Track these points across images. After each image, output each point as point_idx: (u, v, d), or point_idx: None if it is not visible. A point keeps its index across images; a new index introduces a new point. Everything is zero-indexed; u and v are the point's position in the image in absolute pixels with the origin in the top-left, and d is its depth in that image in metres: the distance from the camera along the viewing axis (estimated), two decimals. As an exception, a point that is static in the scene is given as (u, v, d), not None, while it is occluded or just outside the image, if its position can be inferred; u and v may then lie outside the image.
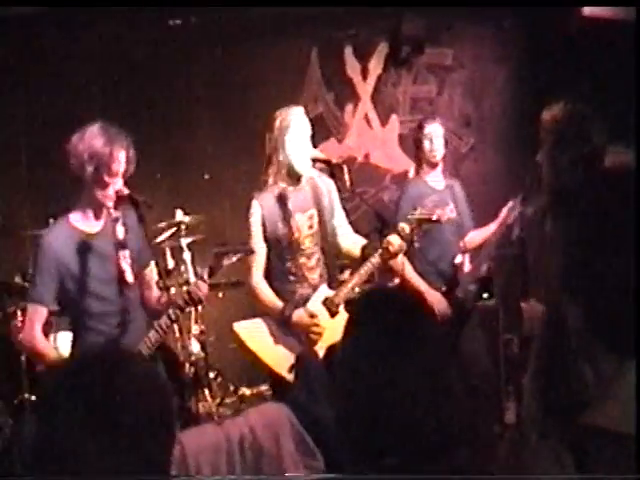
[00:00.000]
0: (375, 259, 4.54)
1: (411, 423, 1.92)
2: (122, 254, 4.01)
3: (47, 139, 7.13)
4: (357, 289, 4.72)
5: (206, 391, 5.73)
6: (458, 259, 5.69)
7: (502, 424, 5.69)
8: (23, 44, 7.07)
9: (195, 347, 6.33)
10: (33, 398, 5.85)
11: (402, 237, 4.51)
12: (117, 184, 3.90)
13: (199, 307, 5.66)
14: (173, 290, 5.26)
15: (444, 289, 5.51)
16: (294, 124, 4.54)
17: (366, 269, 4.59)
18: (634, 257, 1.61)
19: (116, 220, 3.99)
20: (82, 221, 3.97)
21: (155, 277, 4.26)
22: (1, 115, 7.15)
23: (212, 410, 5.29)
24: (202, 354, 6.41)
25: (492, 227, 5.56)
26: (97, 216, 3.98)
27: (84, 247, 3.94)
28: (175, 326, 5.57)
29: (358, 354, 2.03)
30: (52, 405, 1.75)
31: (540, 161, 3.94)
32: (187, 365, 5.89)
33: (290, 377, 4.50)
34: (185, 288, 4.16)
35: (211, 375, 6.47)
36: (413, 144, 5.82)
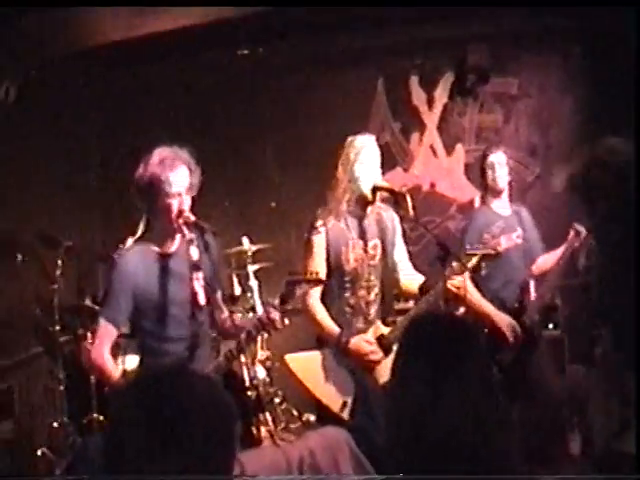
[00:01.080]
0: (431, 297, 4.45)
1: (471, 450, 1.94)
2: (196, 275, 3.95)
3: (118, 163, 7.33)
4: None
5: (267, 415, 5.77)
6: (526, 285, 5.66)
7: (567, 454, 5.62)
8: (97, 75, 7.26)
9: (261, 372, 6.39)
10: (102, 418, 5.98)
11: (461, 272, 4.38)
12: (184, 203, 3.88)
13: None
14: (240, 316, 5.31)
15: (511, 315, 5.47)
16: (365, 151, 4.54)
17: (422, 306, 4.49)
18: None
19: (190, 241, 3.93)
20: (157, 241, 3.96)
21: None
22: (76, 139, 7.32)
23: (274, 434, 5.31)
24: (267, 379, 6.47)
25: (560, 251, 5.54)
26: (171, 237, 3.96)
27: (159, 267, 3.93)
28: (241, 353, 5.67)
29: (413, 381, 2.06)
30: (119, 422, 1.80)
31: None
32: (251, 389, 5.93)
33: (340, 415, 4.46)
34: (254, 315, 4.15)
35: (276, 400, 6.51)
36: (479, 173, 5.83)
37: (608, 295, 3.15)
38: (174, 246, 3.99)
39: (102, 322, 3.92)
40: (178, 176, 3.85)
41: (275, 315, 3.92)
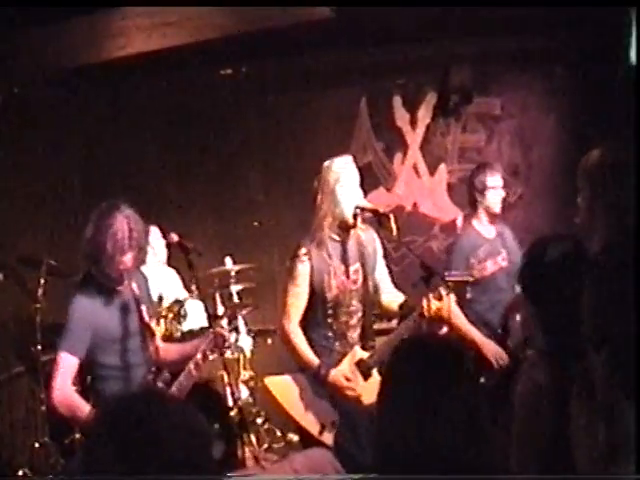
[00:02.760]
0: (410, 321, 4.46)
1: (462, 472, 1.94)
2: (142, 308, 4.18)
3: (101, 184, 7.31)
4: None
5: (252, 436, 5.75)
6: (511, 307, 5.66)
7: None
8: (79, 95, 7.24)
9: (244, 393, 6.37)
10: (83, 438, 5.93)
11: (440, 299, 4.39)
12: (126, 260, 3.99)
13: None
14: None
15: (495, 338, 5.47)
16: (344, 174, 4.51)
17: (400, 332, 4.51)
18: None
19: (131, 278, 4.14)
20: (105, 280, 4.06)
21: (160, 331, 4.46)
22: (58, 161, 7.30)
23: (259, 455, 5.29)
24: (250, 399, 6.44)
25: None
26: (119, 278, 4.08)
27: (112, 302, 4.09)
28: (224, 372, 5.69)
29: (402, 404, 2.05)
30: (94, 447, 1.79)
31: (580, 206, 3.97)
32: (234, 410, 5.91)
33: (320, 437, 4.46)
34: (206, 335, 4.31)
35: (259, 421, 6.49)
36: (468, 192, 5.82)
37: (601, 317, 3.14)
38: (120, 284, 4.11)
39: (62, 354, 3.98)
40: (124, 259, 3.96)
41: (224, 332, 4.22)
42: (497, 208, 5.72)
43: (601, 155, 4.06)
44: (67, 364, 3.96)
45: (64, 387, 3.94)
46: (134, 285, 4.17)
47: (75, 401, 3.98)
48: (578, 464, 2.69)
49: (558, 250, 3.09)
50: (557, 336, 3.08)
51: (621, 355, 1.81)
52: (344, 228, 4.56)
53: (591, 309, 2.89)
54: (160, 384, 4.21)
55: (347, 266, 4.57)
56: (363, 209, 4.55)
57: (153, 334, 4.29)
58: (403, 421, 2.00)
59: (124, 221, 3.93)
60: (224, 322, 4.28)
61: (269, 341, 6.92)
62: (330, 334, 4.58)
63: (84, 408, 3.94)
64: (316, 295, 4.53)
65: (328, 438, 4.48)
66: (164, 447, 1.77)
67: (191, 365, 4.16)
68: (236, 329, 6.33)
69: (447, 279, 4.57)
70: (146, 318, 4.20)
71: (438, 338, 2.50)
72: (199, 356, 4.15)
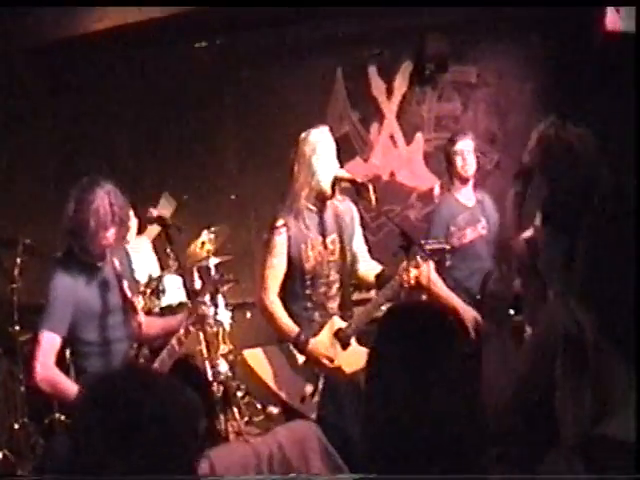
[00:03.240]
0: (388, 290, 4.45)
1: (443, 438, 1.93)
2: (123, 283, 4.17)
3: (76, 161, 7.24)
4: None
5: (235, 410, 5.74)
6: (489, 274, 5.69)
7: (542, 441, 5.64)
8: (49, 72, 7.16)
9: (223, 367, 6.35)
10: (63, 418, 5.89)
11: (416, 266, 4.36)
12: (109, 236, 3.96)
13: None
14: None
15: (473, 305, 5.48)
16: (320, 145, 4.49)
17: (379, 301, 4.52)
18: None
19: (112, 254, 4.12)
20: (86, 256, 4.03)
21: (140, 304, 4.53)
22: (31, 138, 7.23)
23: (241, 429, 5.28)
24: (230, 373, 6.43)
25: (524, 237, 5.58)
26: (100, 254, 4.05)
27: (93, 278, 4.06)
28: (203, 346, 5.67)
29: (388, 371, 2.04)
30: (81, 425, 1.77)
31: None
32: (215, 384, 5.89)
33: (301, 408, 4.46)
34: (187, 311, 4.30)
35: (239, 394, 6.48)
36: (445, 160, 5.84)
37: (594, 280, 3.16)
38: (102, 260, 4.08)
39: (45, 333, 3.94)
40: (107, 234, 3.93)
41: (205, 310, 4.22)
42: (464, 172, 5.72)
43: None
44: (49, 342, 3.92)
45: (47, 365, 3.90)
46: (115, 261, 4.14)
47: (58, 379, 3.95)
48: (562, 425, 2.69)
49: None
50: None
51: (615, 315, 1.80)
52: (321, 199, 4.54)
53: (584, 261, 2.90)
54: (141, 360, 4.20)
55: (324, 237, 4.56)
56: (341, 179, 4.53)
57: (135, 309, 4.27)
58: (393, 392, 1.98)
59: (105, 197, 3.89)
60: (207, 297, 4.24)
61: (248, 314, 6.90)
62: (309, 305, 4.58)
63: (68, 386, 3.91)
64: (294, 266, 4.52)
65: (310, 408, 4.49)
66: (155, 423, 1.76)
67: (173, 341, 4.15)
68: (215, 303, 6.30)
69: (425, 247, 4.58)
70: (128, 293, 4.18)
71: (424, 305, 2.48)
72: (181, 331, 4.13)
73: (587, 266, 1.73)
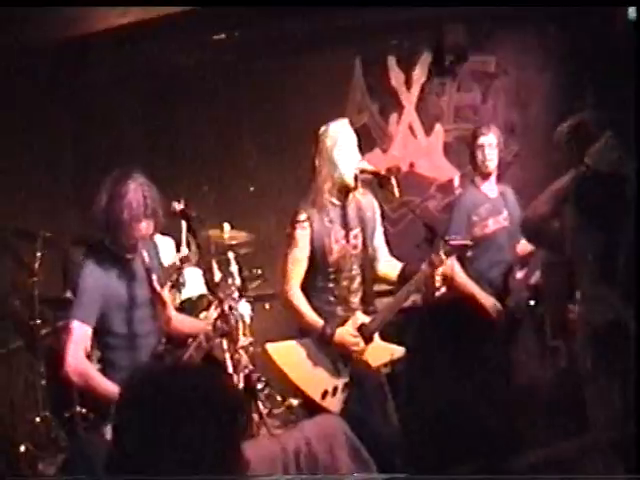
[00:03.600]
0: (411, 286, 4.48)
1: (480, 431, 1.92)
2: (153, 277, 4.15)
3: (93, 156, 7.24)
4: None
5: (259, 403, 5.72)
6: (511, 266, 5.67)
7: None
8: (70, 65, 7.15)
9: (243, 359, 6.34)
10: (84, 411, 5.90)
11: (441, 264, 4.42)
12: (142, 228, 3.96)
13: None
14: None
15: (495, 297, 5.46)
16: (341, 137, 4.49)
17: (402, 296, 4.55)
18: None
19: (142, 245, 4.09)
20: (116, 247, 4.04)
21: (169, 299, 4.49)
22: (48, 132, 7.23)
23: (267, 424, 5.27)
24: (251, 366, 6.42)
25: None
26: (130, 246, 4.05)
27: (123, 270, 4.05)
28: (224, 339, 5.67)
29: (426, 364, 2.03)
30: (129, 422, 1.76)
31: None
32: (236, 377, 5.88)
33: (322, 403, 4.45)
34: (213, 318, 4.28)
35: (259, 386, 6.47)
36: (468, 152, 5.82)
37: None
38: (133, 252, 4.07)
39: (76, 324, 3.93)
40: (140, 227, 3.93)
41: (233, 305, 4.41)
42: (491, 167, 5.72)
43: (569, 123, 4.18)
44: (80, 333, 3.91)
45: (77, 356, 3.90)
46: (144, 254, 4.13)
47: (89, 371, 3.94)
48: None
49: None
50: None
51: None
52: (344, 192, 4.54)
53: None
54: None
55: (348, 230, 4.56)
56: (364, 171, 4.53)
57: (164, 303, 4.26)
58: (440, 384, 1.98)
59: (138, 189, 3.88)
60: (235, 294, 4.23)
61: (267, 306, 6.88)
62: (332, 299, 4.58)
63: (98, 379, 3.91)
64: (317, 260, 4.52)
65: (331, 403, 4.48)
66: (204, 416, 1.76)
67: (202, 336, 4.13)
68: (232, 295, 6.30)
69: (449, 243, 4.57)
70: (157, 287, 4.17)
71: (459, 301, 2.45)
72: (210, 327, 4.13)
73: (630, 261, 1.72)
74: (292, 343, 4.55)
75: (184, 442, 1.72)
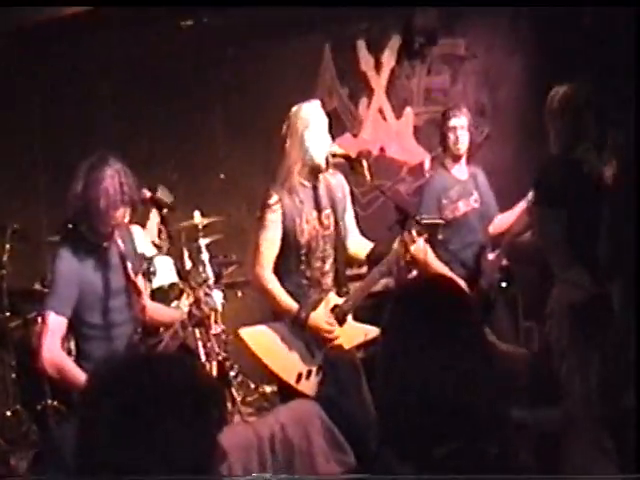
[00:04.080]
0: (383, 266, 4.44)
1: (459, 411, 1.90)
2: (127, 265, 4.07)
3: (63, 144, 7.17)
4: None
5: (233, 390, 5.71)
6: (483, 247, 5.67)
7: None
8: (36, 53, 7.08)
9: (215, 347, 6.33)
10: (56, 404, 5.85)
11: (413, 242, 4.36)
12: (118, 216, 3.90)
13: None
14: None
15: (467, 278, 5.46)
16: (313, 118, 4.43)
17: (374, 277, 4.52)
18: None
19: (117, 234, 4.03)
20: (90, 235, 3.95)
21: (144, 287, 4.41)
22: (17, 122, 7.17)
23: (241, 410, 5.26)
24: (223, 353, 6.40)
25: (516, 211, 5.56)
26: (105, 233, 3.97)
27: (98, 259, 3.98)
28: (195, 327, 5.64)
29: (402, 345, 2.01)
30: (95, 415, 1.72)
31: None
32: (208, 365, 5.86)
33: (297, 386, 4.43)
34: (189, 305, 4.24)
35: (232, 374, 6.46)
36: (439, 135, 5.80)
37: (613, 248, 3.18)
38: (108, 239, 3.99)
39: (51, 315, 3.86)
40: (117, 214, 3.84)
41: (209, 303, 4.22)
42: (462, 149, 5.70)
43: (564, 93, 4.20)
44: (55, 324, 3.85)
45: (53, 348, 3.83)
46: (119, 241, 4.05)
47: (64, 362, 3.88)
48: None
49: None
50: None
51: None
52: (314, 174, 4.50)
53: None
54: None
55: (319, 211, 4.52)
56: (335, 155, 4.49)
57: (139, 292, 4.18)
58: (411, 370, 1.95)
59: (115, 175, 3.80)
60: (211, 281, 4.18)
61: (239, 293, 6.86)
62: (304, 281, 4.53)
63: (74, 371, 3.84)
64: (288, 242, 4.47)
65: (306, 387, 4.45)
66: (181, 405, 1.72)
67: (177, 325, 4.09)
68: (205, 282, 6.27)
69: (421, 222, 4.55)
70: (132, 275, 4.09)
71: (435, 280, 2.44)
72: (185, 316, 4.08)
73: (611, 237, 1.71)
74: (265, 327, 4.51)
75: (158, 434, 1.68)
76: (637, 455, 2.09)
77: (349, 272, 5.29)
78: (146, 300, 4.34)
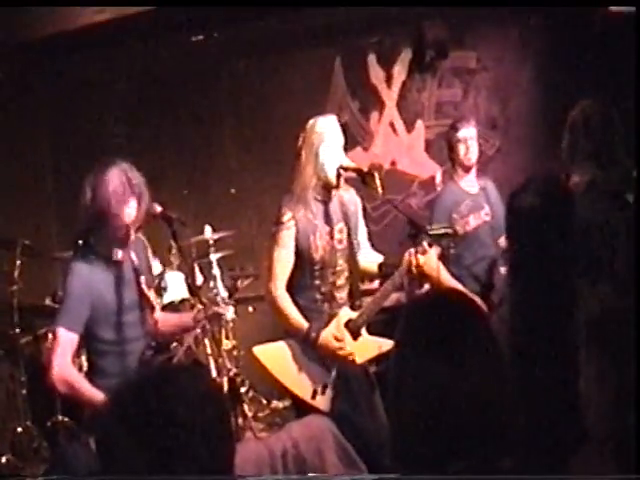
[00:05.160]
0: (396, 279, 4.42)
1: (473, 426, 1.87)
2: (141, 279, 4.04)
3: (73, 159, 7.18)
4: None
5: (245, 406, 5.69)
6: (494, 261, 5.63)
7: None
8: (46, 66, 7.10)
9: (227, 362, 6.30)
10: (66, 420, 5.84)
11: (423, 253, 4.35)
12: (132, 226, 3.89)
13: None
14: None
15: (480, 293, 5.43)
16: (328, 133, 4.44)
17: (387, 289, 4.49)
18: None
19: (130, 246, 4.00)
20: (102, 249, 3.93)
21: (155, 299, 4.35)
22: (27, 137, 7.18)
23: (253, 427, 5.23)
24: (235, 369, 6.38)
25: None
26: (117, 246, 3.94)
27: (110, 274, 3.94)
28: (207, 342, 5.61)
29: (414, 360, 1.98)
30: (118, 427, 1.70)
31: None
32: (219, 381, 5.83)
33: (312, 403, 4.41)
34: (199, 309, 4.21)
35: (243, 390, 6.43)
36: (447, 147, 5.79)
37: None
38: (119, 253, 3.95)
39: (62, 331, 3.82)
40: (128, 209, 3.82)
41: (222, 310, 4.14)
42: (467, 160, 5.67)
43: (581, 109, 4.18)
44: (66, 341, 3.81)
45: (64, 365, 3.80)
46: (133, 255, 4.02)
47: (75, 379, 3.86)
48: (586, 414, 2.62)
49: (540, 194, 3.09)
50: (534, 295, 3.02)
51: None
52: (327, 189, 4.49)
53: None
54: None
55: (332, 226, 4.51)
56: (346, 169, 4.48)
57: (152, 306, 4.16)
58: (423, 383, 1.92)
59: (121, 173, 3.79)
60: (224, 294, 4.15)
61: (250, 309, 6.84)
62: (318, 296, 4.52)
63: (85, 387, 3.82)
64: (302, 258, 4.46)
65: (321, 402, 4.43)
66: (188, 420, 1.71)
67: (190, 340, 4.06)
68: (216, 297, 6.27)
69: (430, 232, 4.53)
70: (145, 289, 4.06)
71: (447, 292, 2.41)
72: (198, 331, 4.04)
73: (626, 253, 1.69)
74: (279, 344, 4.50)
75: (173, 450, 1.67)
76: (637, 455, 2.05)
77: (363, 287, 5.28)
78: (157, 313, 4.31)
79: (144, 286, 4.06)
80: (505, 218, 3.21)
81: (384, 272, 4.58)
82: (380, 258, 4.72)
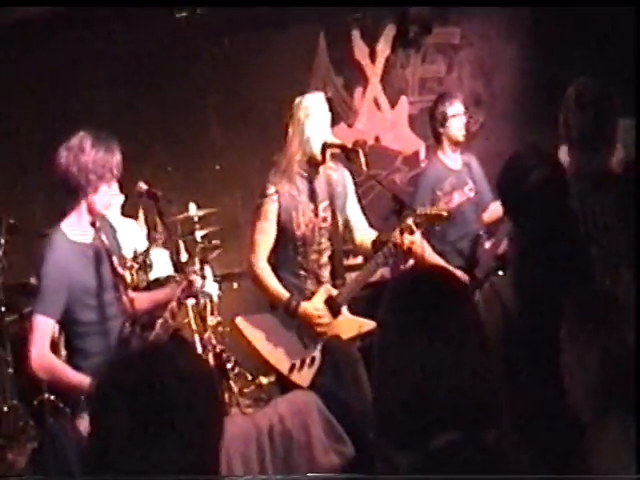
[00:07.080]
0: (380, 258, 4.48)
1: (457, 400, 1.89)
2: (113, 259, 4.04)
3: (56, 137, 7.13)
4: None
5: (231, 382, 5.71)
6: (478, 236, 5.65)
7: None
8: (28, 44, 7.04)
9: (212, 338, 6.32)
10: (52, 398, 5.83)
11: (411, 232, 4.41)
12: (111, 190, 3.90)
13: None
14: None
15: (465, 268, 5.45)
16: (315, 110, 4.50)
17: (370, 268, 4.56)
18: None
19: (100, 229, 4.00)
20: (75, 232, 3.91)
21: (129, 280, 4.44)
22: (9, 114, 7.13)
23: (239, 402, 5.26)
24: (220, 345, 6.39)
25: None
26: (87, 227, 3.95)
27: (85, 257, 3.92)
28: (192, 318, 5.61)
29: (399, 336, 1.99)
30: (106, 410, 1.71)
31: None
32: (205, 357, 5.85)
33: (290, 376, 4.47)
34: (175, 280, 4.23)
35: (228, 366, 6.44)
36: (432, 123, 5.74)
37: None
38: (90, 235, 3.96)
39: (39, 317, 3.80)
40: (105, 165, 3.84)
41: (193, 277, 4.09)
42: (460, 136, 5.67)
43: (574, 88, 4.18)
44: (43, 327, 3.79)
45: (42, 352, 3.78)
46: (103, 237, 4.02)
47: (55, 365, 3.85)
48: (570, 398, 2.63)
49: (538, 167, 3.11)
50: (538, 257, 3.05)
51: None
52: (312, 165, 4.53)
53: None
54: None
55: (316, 204, 4.56)
56: (330, 145, 4.53)
57: (126, 285, 4.16)
58: (408, 361, 1.94)
59: (85, 137, 3.89)
60: (196, 267, 4.15)
61: (235, 285, 6.85)
62: (301, 272, 4.58)
63: (65, 371, 3.82)
64: (284, 233, 4.52)
65: (298, 377, 4.50)
66: (180, 396, 1.71)
67: (167, 314, 4.05)
68: (203, 275, 6.26)
69: (420, 212, 4.56)
70: (118, 269, 4.06)
71: (431, 271, 2.42)
72: (174, 304, 4.04)
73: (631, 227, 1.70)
74: (262, 315, 4.58)
75: (162, 430, 1.68)
76: (637, 455, 2.07)
77: (347, 262, 5.30)
78: (131, 292, 4.30)
79: (117, 265, 4.05)
80: (499, 189, 3.25)
81: (377, 248, 4.59)
82: (374, 234, 4.76)
